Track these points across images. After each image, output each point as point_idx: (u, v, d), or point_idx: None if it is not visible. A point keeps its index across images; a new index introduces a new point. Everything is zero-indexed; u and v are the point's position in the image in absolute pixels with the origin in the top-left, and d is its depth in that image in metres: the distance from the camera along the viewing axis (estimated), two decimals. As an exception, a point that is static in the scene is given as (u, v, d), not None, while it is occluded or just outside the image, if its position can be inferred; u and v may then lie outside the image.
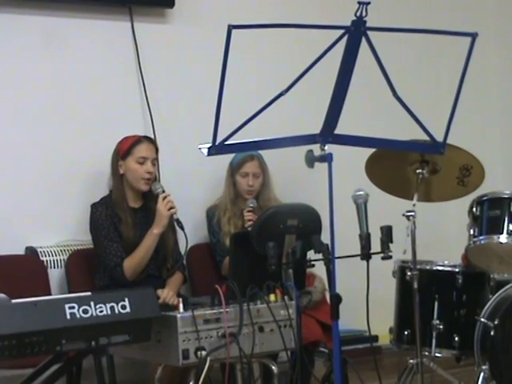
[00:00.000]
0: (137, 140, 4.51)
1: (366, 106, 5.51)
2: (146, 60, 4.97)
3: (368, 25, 3.11)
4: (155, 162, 4.53)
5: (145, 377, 4.34)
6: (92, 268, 4.50)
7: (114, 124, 4.82)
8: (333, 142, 3.30)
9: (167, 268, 4.52)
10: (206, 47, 5.00)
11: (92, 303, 3.09)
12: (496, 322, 4.06)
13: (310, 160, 3.24)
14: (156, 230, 4.38)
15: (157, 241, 4.40)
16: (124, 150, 4.49)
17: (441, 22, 5.68)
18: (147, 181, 4.47)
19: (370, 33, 3.13)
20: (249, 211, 4.63)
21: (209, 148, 3.15)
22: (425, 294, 4.27)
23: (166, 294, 4.23)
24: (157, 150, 4.56)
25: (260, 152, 4.75)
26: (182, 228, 4.32)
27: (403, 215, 4.14)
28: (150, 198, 4.50)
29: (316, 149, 3.26)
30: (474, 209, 4.28)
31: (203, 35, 5.08)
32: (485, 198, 4.27)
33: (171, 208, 4.35)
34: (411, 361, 4.23)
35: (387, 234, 3.45)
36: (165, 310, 3.46)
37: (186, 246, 4.38)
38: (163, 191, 4.41)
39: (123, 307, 3.14)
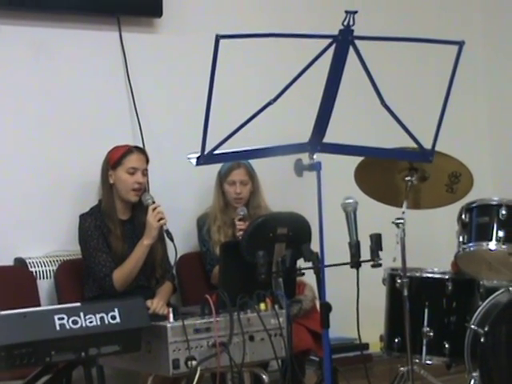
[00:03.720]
0: (127, 150, 4.50)
1: (355, 114, 5.52)
2: (134, 69, 4.97)
3: (355, 34, 3.12)
4: (146, 172, 4.51)
5: (135, 387, 4.33)
6: (81, 278, 4.48)
7: (102, 134, 4.81)
8: (321, 150, 3.30)
9: (156, 278, 4.51)
10: (194, 57, 5.00)
11: (82, 314, 3.08)
12: (486, 329, 4.07)
13: (299, 169, 3.24)
14: (146, 242, 4.37)
15: (147, 252, 4.38)
16: (114, 159, 4.47)
17: (428, 30, 5.70)
18: (137, 192, 4.45)
19: (357, 41, 3.13)
20: (240, 220, 4.62)
21: (198, 158, 3.15)
22: (415, 301, 4.28)
23: (156, 304, 4.22)
24: (147, 161, 4.55)
25: (249, 161, 4.75)
26: (171, 239, 4.30)
27: (392, 223, 4.15)
28: (138, 210, 4.48)
29: (305, 157, 3.26)
30: (463, 216, 4.29)
31: (191, 45, 5.08)
32: (473, 204, 4.29)
33: (161, 219, 4.34)
34: (402, 368, 4.23)
35: (377, 241, 3.46)
36: (155, 320, 3.45)
37: (176, 257, 4.37)
38: (153, 202, 4.40)
39: (113, 318, 3.13)
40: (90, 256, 4.39)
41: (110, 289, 4.33)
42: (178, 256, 4.74)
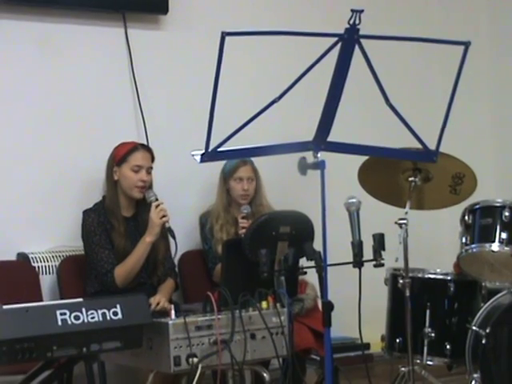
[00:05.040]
0: (133, 147, 4.48)
1: (359, 113, 5.52)
2: (139, 66, 4.97)
3: (361, 33, 3.12)
4: (150, 170, 4.49)
5: (136, 383, 4.33)
6: (84, 274, 4.48)
7: (107, 131, 4.81)
8: (326, 149, 3.30)
9: (158, 276, 4.50)
10: (199, 54, 5.00)
11: (84, 310, 3.09)
12: (487, 331, 4.07)
13: (303, 167, 3.24)
14: (148, 239, 4.36)
15: (149, 249, 4.38)
16: (120, 156, 4.46)
17: (434, 31, 5.69)
18: (140, 189, 4.44)
19: (363, 41, 3.13)
20: (243, 217, 4.62)
21: (202, 155, 3.15)
22: (417, 301, 4.27)
23: (158, 299, 4.22)
24: (153, 159, 4.53)
25: (252, 159, 4.75)
26: (173, 237, 4.30)
27: (395, 223, 4.15)
28: (142, 207, 4.47)
29: (309, 156, 3.26)
30: (466, 217, 4.29)
31: (197, 42, 5.09)
32: (477, 206, 4.28)
33: (163, 216, 4.33)
34: (403, 369, 4.23)
35: (379, 241, 3.46)
36: (155, 317, 3.45)
37: (175, 254, 4.38)
38: (156, 199, 4.39)
39: (115, 314, 3.14)
40: (92, 252, 4.39)
41: (111, 285, 4.33)
42: (181, 253, 4.78)
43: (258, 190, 4.83)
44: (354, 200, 3.49)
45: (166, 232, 4.41)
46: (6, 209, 4.60)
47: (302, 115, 4.91)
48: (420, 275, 4.40)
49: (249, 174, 4.77)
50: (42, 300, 4.36)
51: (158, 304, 4.19)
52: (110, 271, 4.34)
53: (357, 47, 3.14)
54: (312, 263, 3.33)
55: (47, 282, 4.58)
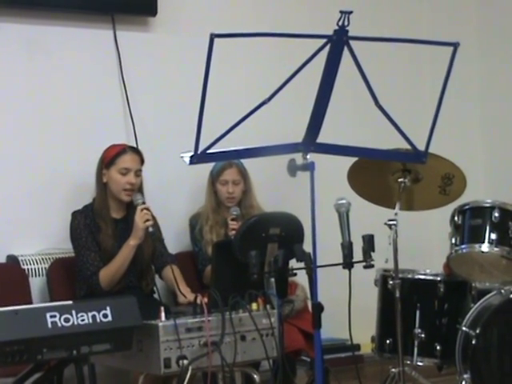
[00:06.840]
0: (121, 150, 4.46)
1: (349, 114, 5.52)
2: (128, 68, 4.96)
3: (350, 34, 3.12)
4: (139, 173, 4.47)
5: (126, 386, 4.33)
6: (74, 276, 4.47)
7: (96, 133, 4.80)
8: (315, 150, 3.30)
9: (147, 279, 4.49)
10: (188, 55, 5.00)
11: (73, 312, 3.08)
12: (477, 331, 4.08)
13: (293, 169, 3.24)
14: (132, 242, 4.34)
15: (133, 252, 4.36)
16: (108, 158, 4.45)
17: (423, 32, 5.72)
18: (128, 192, 4.43)
19: (352, 42, 3.14)
20: (232, 219, 4.62)
21: (191, 157, 3.15)
22: (407, 302, 4.28)
23: (188, 292, 4.24)
24: (142, 161, 4.51)
25: (242, 160, 4.75)
26: (155, 240, 4.28)
27: (385, 224, 4.15)
28: (132, 210, 4.44)
29: (298, 157, 3.27)
30: (456, 218, 4.30)
31: (186, 44, 5.08)
32: (466, 206, 4.29)
33: (147, 220, 4.31)
34: (393, 370, 4.23)
35: (369, 242, 3.47)
36: (148, 319, 3.45)
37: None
38: (143, 203, 4.37)
39: (105, 316, 3.13)
40: (78, 254, 4.38)
41: (96, 287, 4.31)
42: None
43: (248, 191, 4.83)
44: (343, 201, 3.50)
45: (159, 232, 4.42)
46: (-5, 211, 4.59)
47: (292, 117, 4.93)
48: (410, 276, 4.40)
49: (234, 177, 4.77)
50: (31, 302, 4.35)
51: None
52: (94, 273, 4.32)
53: (346, 48, 3.14)
54: (302, 264, 3.33)
55: (37, 284, 4.57)
